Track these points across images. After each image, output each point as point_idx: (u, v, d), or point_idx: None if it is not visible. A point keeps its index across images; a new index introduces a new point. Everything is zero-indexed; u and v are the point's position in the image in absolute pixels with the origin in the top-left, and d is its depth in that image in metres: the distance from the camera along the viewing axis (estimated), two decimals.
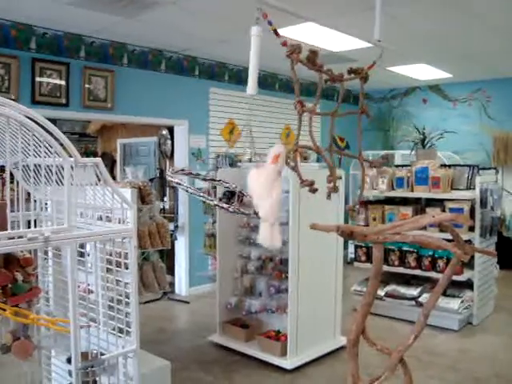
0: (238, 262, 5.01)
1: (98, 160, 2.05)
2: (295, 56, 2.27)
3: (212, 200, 2.49)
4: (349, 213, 6.11)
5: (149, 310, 6.06)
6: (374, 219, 5.90)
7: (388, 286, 5.84)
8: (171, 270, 6.76)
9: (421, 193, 5.60)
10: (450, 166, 5.82)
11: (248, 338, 4.78)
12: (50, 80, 5.40)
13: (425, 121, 8.47)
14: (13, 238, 1.81)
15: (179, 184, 2.62)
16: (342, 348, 4.74)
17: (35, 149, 1.86)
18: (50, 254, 2.57)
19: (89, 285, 2.29)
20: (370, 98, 9.49)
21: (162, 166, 7.93)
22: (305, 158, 7.07)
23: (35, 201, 2.36)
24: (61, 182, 1.95)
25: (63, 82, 5.50)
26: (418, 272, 5.65)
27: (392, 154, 8.55)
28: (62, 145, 1.88)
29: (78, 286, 2.11)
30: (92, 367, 2.07)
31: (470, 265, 5.33)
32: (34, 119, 1.81)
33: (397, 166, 6.38)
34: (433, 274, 5.55)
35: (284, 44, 2.29)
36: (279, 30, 2.32)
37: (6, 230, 1.90)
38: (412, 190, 5.65)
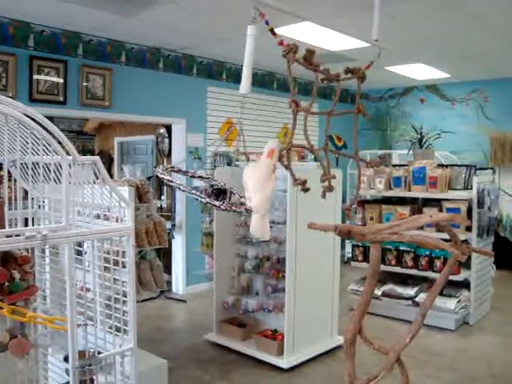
0: (235, 260, 5.02)
1: (97, 158, 2.05)
2: (291, 56, 2.27)
3: (203, 198, 2.47)
4: (345, 212, 6.10)
5: (146, 308, 6.06)
6: (372, 219, 5.90)
7: (385, 285, 5.85)
8: (168, 269, 6.76)
9: (418, 193, 5.61)
10: (447, 165, 5.83)
11: (245, 337, 4.79)
12: (48, 78, 5.39)
13: (422, 121, 8.46)
14: (10, 236, 1.81)
15: (171, 181, 2.60)
16: (338, 347, 4.75)
17: (33, 147, 1.86)
18: (47, 252, 2.57)
19: (86, 283, 2.28)
20: (367, 97, 9.50)
21: (160, 164, 7.92)
22: (302, 158, 7.09)
23: (33, 199, 2.36)
24: (59, 180, 1.95)
25: (61, 80, 5.49)
26: (414, 272, 5.66)
27: (389, 154, 8.56)
28: (60, 143, 1.88)
29: (76, 285, 2.11)
30: (89, 366, 2.07)
31: (466, 265, 5.33)
32: (32, 117, 1.81)
33: (394, 165, 6.39)
34: (430, 274, 5.57)
35: (280, 43, 2.28)
36: (277, 29, 2.32)
37: (4, 227, 1.90)
38: (409, 190, 5.66)
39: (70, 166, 1.91)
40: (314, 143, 2.56)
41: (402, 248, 5.68)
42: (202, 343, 5.00)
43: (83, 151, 9.57)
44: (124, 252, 2.24)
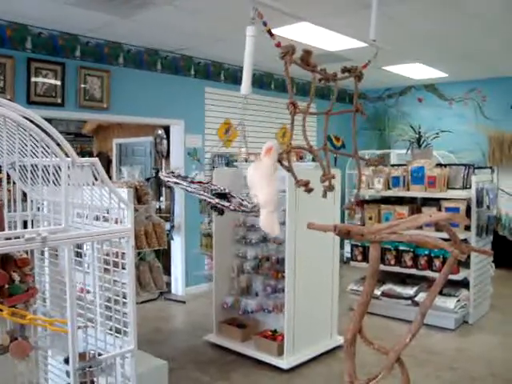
0: (234, 261, 5.01)
1: (96, 160, 2.05)
2: (289, 58, 2.27)
3: (212, 198, 2.48)
4: (348, 212, 6.12)
5: (145, 310, 6.05)
6: (370, 218, 5.91)
7: (384, 285, 5.85)
8: (167, 270, 6.76)
9: (417, 192, 5.62)
10: (445, 165, 5.83)
11: (244, 338, 4.79)
12: (46, 80, 5.38)
13: (420, 120, 8.48)
14: (10, 239, 1.81)
15: (177, 184, 2.62)
16: (338, 347, 4.75)
17: (32, 149, 1.86)
18: (46, 254, 2.57)
19: (85, 285, 2.28)
20: (365, 97, 9.50)
21: (158, 165, 7.92)
22: (300, 158, 7.08)
23: (32, 201, 2.35)
24: (58, 182, 1.95)
25: (59, 82, 5.49)
26: (414, 271, 5.67)
27: (388, 154, 8.57)
28: (58, 145, 1.88)
29: (75, 286, 2.10)
30: (90, 368, 2.07)
31: (466, 264, 5.34)
32: (30, 119, 1.81)
33: (393, 165, 6.40)
34: (429, 274, 5.57)
35: (278, 45, 2.28)
36: (274, 30, 2.31)
37: (3, 230, 1.90)
38: (408, 190, 5.67)
39: (68, 167, 1.91)
40: (312, 143, 2.56)
41: (401, 248, 5.69)
42: (201, 344, 4.99)
43: (81, 153, 9.55)
44: (123, 253, 2.24)
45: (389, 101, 9.43)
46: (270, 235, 2.17)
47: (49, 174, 1.94)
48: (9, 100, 1.84)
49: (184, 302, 6.55)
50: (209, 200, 2.48)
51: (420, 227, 4.67)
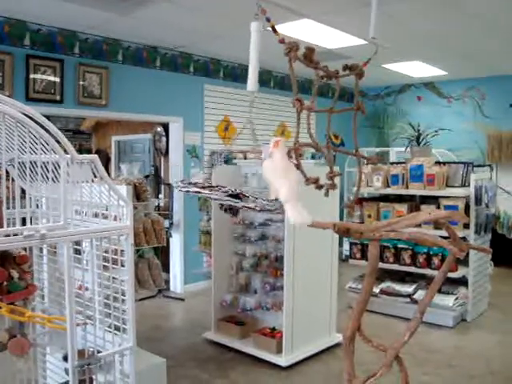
0: (233, 259, 5.01)
1: (95, 157, 2.05)
2: (293, 54, 2.26)
3: (237, 202, 2.48)
4: (347, 210, 6.12)
5: (144, 307, 6.05)
6: (369, 216, 5.91)
7: (383, 283, 5.85)
8: (166, 268, 6.75)
9: (416, 190, 5.62)
10: (444, 163, 5.84)
11: (243, 336, 4.79)
12: (44, 77, 5.37)
13: (419, 118, 8.48)
14: (8, 236, 1.81)
15: (199, 192, 2.61)
16: (337, 345, 4.76)
17: (31, 146, 1.85)
18: (45, 251, 2.57)
19: (84, 282, 2.28)
20: (364, 95, 9.49)
21: (157, 163, 7.92)
22: (300, 155, 7.07)
23: (30, 198, 2.35)
24: (57, 179, 1.94)
25: (57, 79, 5.47)
26: (412, 269, 5.67)
27: (387, 152, 8.57)
28: (58, 141, 1.87)
29: (74, 284, 2.10)
30: (88, 365, 2.07)
31: (464, 262, 5.35)
32: (29, 116, 1.80)
33: (392, 163, 6.39)
34: (428, 271, 5.57)
35: (281, 41, 2.27)
36: (275, 27, 2.31)
37: (2, 227, 1.90)
38: (407, 188, 5.67)
39: (67, 164, 1.91)
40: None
41: (399, 245, 5.69)
42: (200, 342, 5.00)
43: (80, 150, 9.52)
44: (122, 251, 2.24)
45: (388, 99, 9.43)
46: (301, 227, 2.14)
47: (48, 170, 1.93)
48: (7, 97, 1.83)
49: (183, 300, 6.55)
50: (234, 204, 2.47)
51: (419, 225, 4.67)
